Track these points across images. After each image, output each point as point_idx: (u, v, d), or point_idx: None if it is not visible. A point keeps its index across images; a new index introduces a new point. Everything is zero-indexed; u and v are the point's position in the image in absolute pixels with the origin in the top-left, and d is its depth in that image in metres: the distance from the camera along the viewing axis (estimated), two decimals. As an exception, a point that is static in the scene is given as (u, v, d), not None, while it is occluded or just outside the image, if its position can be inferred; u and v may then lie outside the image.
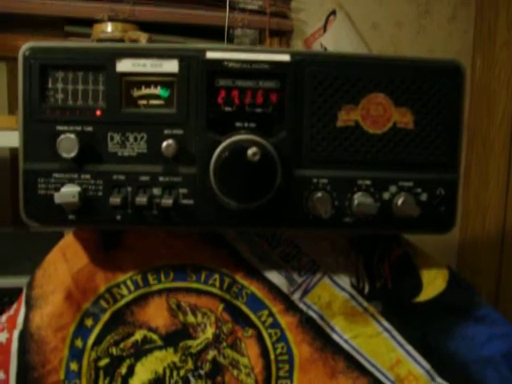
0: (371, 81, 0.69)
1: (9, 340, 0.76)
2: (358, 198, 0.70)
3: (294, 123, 0.68)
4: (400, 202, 0.70)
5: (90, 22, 1.50)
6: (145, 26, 1.46)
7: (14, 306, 0.79)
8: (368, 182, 0.70)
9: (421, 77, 0.70)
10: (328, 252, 0.82)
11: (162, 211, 0.68)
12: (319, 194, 0.69)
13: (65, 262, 0.79)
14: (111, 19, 1.50)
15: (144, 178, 0.68)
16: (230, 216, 0.69)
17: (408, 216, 0.70)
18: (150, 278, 0.78)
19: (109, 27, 1.35)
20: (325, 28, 2.04)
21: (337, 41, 2.03)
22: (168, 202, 0.67)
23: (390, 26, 2.23)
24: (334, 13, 2.05)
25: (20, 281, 0.93)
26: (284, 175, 0.68)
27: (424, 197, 0.71)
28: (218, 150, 0.66)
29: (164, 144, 0.66)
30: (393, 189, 0.71)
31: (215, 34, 1.81)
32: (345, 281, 0.81)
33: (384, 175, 0.71)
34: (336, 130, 0.69)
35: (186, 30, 1.75)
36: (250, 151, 0.64)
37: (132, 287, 0.78)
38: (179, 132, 0.67)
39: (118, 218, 0.68)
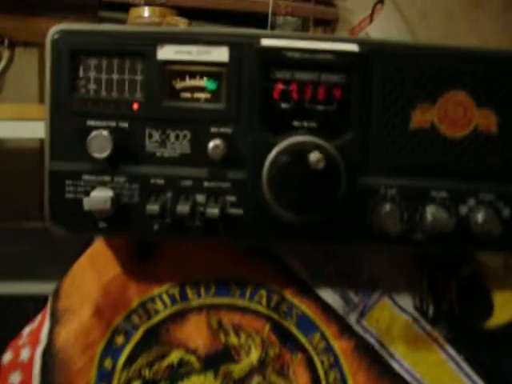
0: (451, 76, 0.61)
1: (31, 358, 0.70)
2: (431, 211, 0.62)
3: (360, 123, 0.61)
4: (479, 217, 0.61)
5: (125, 7, 1.42)
6: (183, 13, 1.37)
7: (38, 318, 0.74)
8: (443, 194, 0.63)
9: (509, 73, 0.62)
10: (388, 268, 0.75)
11: (206, 221, 0.61)
12: (387, 207, 0.61)
13: (94, 271, 0.72)
14: (148, 3, 1.42)
15: (186, 183, 0.62)
16: (283, 229, 0.63)
17: (488, 233, 0.62)
18: (189, 292, 0.71)
19: (146, 12, 1.28)
20: (371, 17, 1.95)
21: (384, 31, 1.94)
22: (214, 211, 0.60)
23: (439, 16, 2.14)
24: (381, 1, 1.96)
25: (46, 287, 0.85)
26: (347, 184, 0.60)
27: (507, 212, 0.63)
28: (272, 153, 0.60)
29: (210, 144, 0.59)
30: (471, 202, 0.63)
31: (255, 21, 1.72)
32: (407, 302, 0.73)
33: (461, 186, 0.63)
34: (409, 132, 0.62)
35: (224, 16, 1.67)
36: (313, 157, 0.56)
37: (168, 302, 0.71)
38: (228, 131, 0.61)
39: (156, 227, 0.62)
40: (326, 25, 1.89)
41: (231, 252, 0.73)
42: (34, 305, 0.94)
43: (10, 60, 1.19)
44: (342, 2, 1.93)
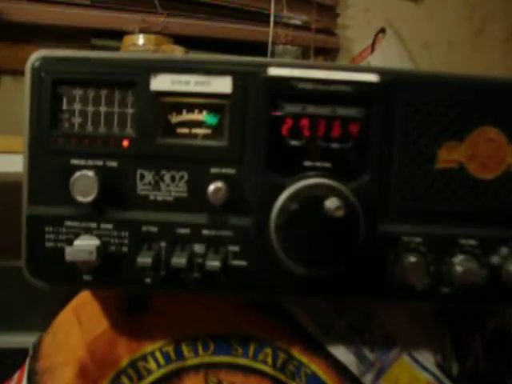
0: (482, 110, 0.56)
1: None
2: (460, 262, 0.56)
3: (380, 163, 0.56)
4: (513, 268, 0.57)
5: (119, 35, 1.38)
6: (179, 41, 1.34)
7: (15, 379, 0.66)
8: (473, 242, 0.57)
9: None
10: (406, 322, 0.69)
11: (205, 274, 0.56)
12: (412, 258, 0.56)
13: (78, 326, 0.66)
14: (143, 31, 1.38)
15: (183, 231, 0.56)
16: (293, 283, 0.57)
17: (523, 286, 0.56)
18: (185, 349, 0.65)
19: (140, 39, 1.24)
20: (373, 47, 1.91)
21: (386, 61, 1.91)
22: (214, 263, 0.55)
23: (441, 45, 2.13)
24: (382, 31, 1.93)
25: (27, 340, 0.77)
26: (366, 232, 0.56)
27: (544, 262, 0.58)
28: (281, 198, 0.55)
29: (211, 187, 0.54)
30: (504, 251, 0.57)
31: (254, 50, 1.67)
32: (428, 359, 0.68)
33: (493, 233, 0.57)
34: (434, 173, 0.57)
35: (223, 45, 1.62)
36: (331, 203, 0.50)
37: (162, 361, 0.65)
38: (231, 172, 0.56)
39: (148, 281, 0.57)
40: (327, 54, 1.86)
41: (232, 305, 0.67)
42: (12, 360, 0.86)
43: (-4, 88, 1.13)
44: (343, 31, 1.90)
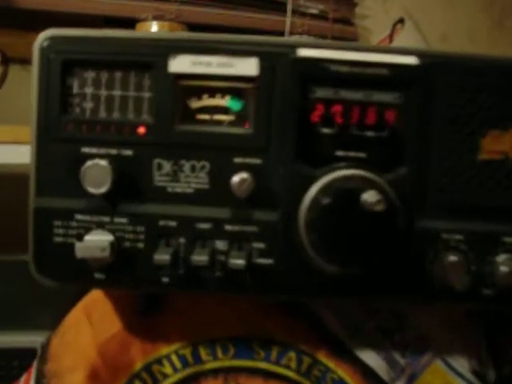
0: None
1: None
2: (503, 262, 0.53)
3: (418, 154, 0.53)
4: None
5: (132, 23, 1.36)
6: (194, 29, 1.32)
7: (22, 382, 0.64)
8: None
9: None
10: (440, 325, 0.65)
11: (228, 273, 0.53)
12: (452, 257, 0.52)
13: (89, 327, 0.63)
14: (156, 19, 1.36)
15: (204, 226, 0.53)
16: (323, 282, 0.53)
17: None
18: (203, 352, 0.62)
19: (154, 27, 1.23)
20: (391, 37, 1.89)
21: (404, 52, 1.88)
22: (238, 262, 0.51)
23: (460, 37, 2.11)
24: (401, 21, 1.91)
25: (34, 339, 0.74)
26: (403, 228, 0.52)
27: None
28: (312, 191, 0.51)
29: (235, 178, 0.51)
30: None
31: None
32: (463, 364, 0.64)
33: None
34: (477, 164, 0.53)
35: (237, 34, 1.60)
36: (369, 197, 0.47)
37: (178, 364, 0.62)
38: (256, 162, 0.52)
39: (165, 280, 0.53)
40: (344, 44, 1.83)
41: (254, 305, 0.64)
42: (19, 361, 0.83)
43: (4, 76, 1.10)
44: (361, 21, 1.87)
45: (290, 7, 1.58)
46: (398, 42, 1.81)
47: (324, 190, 0.50)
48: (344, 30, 1.77)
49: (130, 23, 1.37)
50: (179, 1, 1.50)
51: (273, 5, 1.63)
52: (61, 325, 0.65)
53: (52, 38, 0.52)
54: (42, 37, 0.52)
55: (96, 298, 0.64)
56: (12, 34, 1.36)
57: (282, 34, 1.61)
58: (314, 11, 1.69)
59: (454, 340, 0.66)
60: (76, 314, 0.65)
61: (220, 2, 1.58)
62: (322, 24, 1.71)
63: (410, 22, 1.90)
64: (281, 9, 1.64)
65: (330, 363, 0.63)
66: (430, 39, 2.01)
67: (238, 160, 0.52)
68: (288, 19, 1.58)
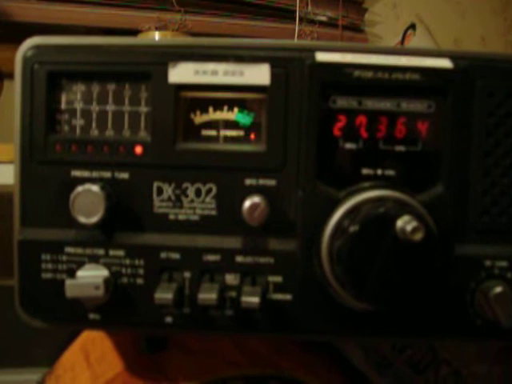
0: None
1: None
2: None
3: (455, 170, 0.48)
4: None
5: (133, 35, 1.32)
6: None
7: None
8: None
9: None
10: (476, 359, 0.61)
11: (240, 312, 0.48)
12: (497, 288, 0.47)
13: (88, 367, 0.59)
14: (159, 30, 1.33)
15: (212, 258, 0.49)
16: (350, 321, 0.48)
17: None
18: None
19: (156, 36, 1.16)
20: (402, 43, 1.86)
21: (416, 59, 1.85)
22: (252, 300, 0.46)
23: (472, 41, 2.09)
24: (412, 27, 1.88)
25: (29, 377, 0.69)
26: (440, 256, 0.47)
27: None
28: (336, 216, 0.46)
29: (246, 203, 0.47)
30: None
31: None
32: None
33: None
34: None
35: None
36: (405, 224, 0.42)
37: None
38: (270, 183, 0.48)
39: (169, 320, 0.49)
40: (354, 52, 1.80)
41: (270, 342, 0.60)
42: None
43: (-1, 93, 1.06)
44: (371, 28, 1.84)
45: (298, 15, 1.55)
46: (409, 49, 1.79)
47: (350, 215, 0.46)
48: (354, 37, 1.74)
49: (131, 35, 1.34)
50: (183, 10, 1.46)
51: (280, 12, 1.60)
52: (56, 365, 0.61)
53: (37, 47, 0.49)
54: (26, 45, 0.49)
55: (94, 336, 0.61)
56: (7, 49, 1.32)
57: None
58: (323, 18, 1.67)
59: (491, 374, 0.62)
60: (72, 354, 0.61)
61: (225, 11, 1.54)
62: (331, 31, 1.68)
63: (422, 27, 1.88)
64: (288, 16, 1.62)
65: (356, 404, 0.59)
66: (442, 45, 1.99)
67: (249, 182, 0.49)
68: (296, 27, 1.55)
